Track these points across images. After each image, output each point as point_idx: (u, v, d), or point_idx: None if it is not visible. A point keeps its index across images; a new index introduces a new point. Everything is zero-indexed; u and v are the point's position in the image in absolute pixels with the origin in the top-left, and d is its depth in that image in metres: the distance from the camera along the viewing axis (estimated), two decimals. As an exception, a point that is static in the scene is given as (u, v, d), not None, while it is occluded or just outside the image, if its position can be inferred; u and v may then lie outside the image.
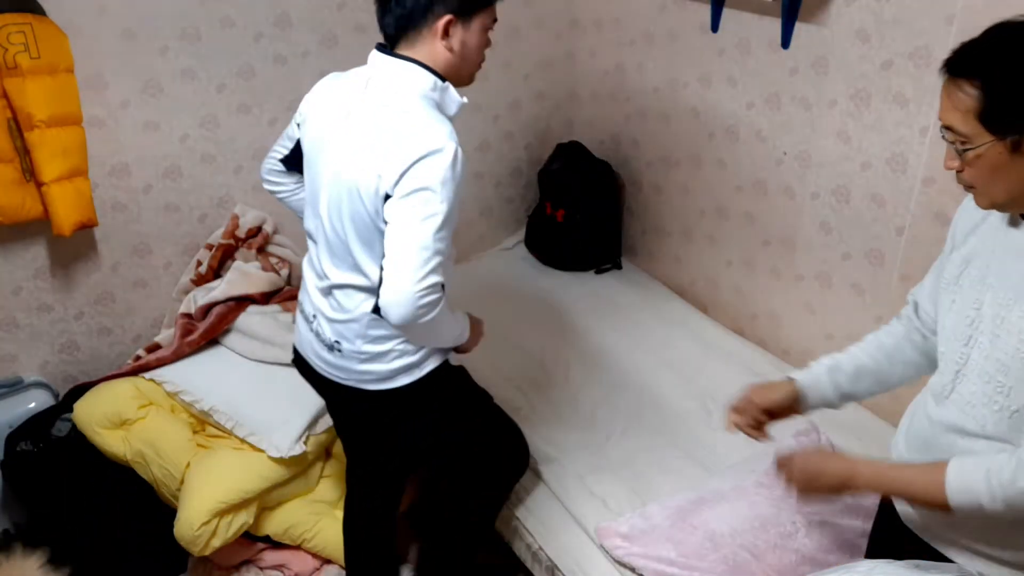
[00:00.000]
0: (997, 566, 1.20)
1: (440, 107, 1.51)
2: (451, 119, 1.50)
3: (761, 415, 1.48)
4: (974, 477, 1.09)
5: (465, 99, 1.54)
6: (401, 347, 1.59)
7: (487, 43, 1.55)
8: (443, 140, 1.42)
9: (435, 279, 1.42)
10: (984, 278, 1.16)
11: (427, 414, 1.73)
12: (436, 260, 1.42)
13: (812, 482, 1.28)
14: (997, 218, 1.16)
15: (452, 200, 1.43)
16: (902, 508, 1.33)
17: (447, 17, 1.45)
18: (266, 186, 1.83)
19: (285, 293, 2.49)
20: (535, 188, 3.15)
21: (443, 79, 1.50)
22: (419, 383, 1.64)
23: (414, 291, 1.40)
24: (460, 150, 1.44)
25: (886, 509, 1.39)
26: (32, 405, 2.28)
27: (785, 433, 2.13)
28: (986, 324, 1.14)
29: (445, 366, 1.68)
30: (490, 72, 2.90)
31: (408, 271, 1.40)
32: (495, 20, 1.54)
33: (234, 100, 2.45)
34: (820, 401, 1.47)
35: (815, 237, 2.34)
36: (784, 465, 1.32)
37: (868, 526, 1.81)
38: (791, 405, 1.47)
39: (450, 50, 1.48)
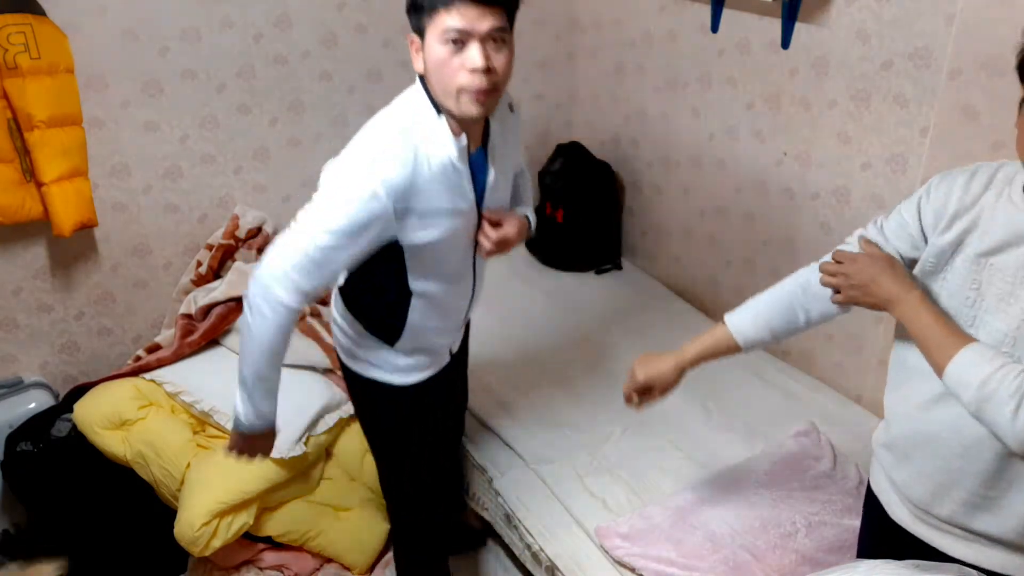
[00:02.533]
0: (980, 545, 1.21)
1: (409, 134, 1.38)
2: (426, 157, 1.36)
3: (641, 388, 1.57)
4: (979, 371, 1.08)
5: (455, 145, 1.37)
6: (341, 323, 1.63)
7: (448, 57, 1.30)
8: (352, 165, 1.38)
9: (293, 278, 1.37)
10: (985, 258, 1.15)
11: (360, 414, 1.78)
12: (307, 259, 1.36)
13: (862, 287, 1.27)
14: (1002, 196, 1.16)
15: (331, 233, 1.33)
16: (896, 511, 1.33)
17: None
18: None
19: (285, 293, 2.49)
20: (535, 189, 3.16)
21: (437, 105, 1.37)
22: (351, 373, 1.66)
23: (258, 276, 1.40)
24: (376, 184, 1.31)
25: (874, 510, 1.39)
26: (32, 405, 2.28)
27: (785, 433, 2.13)
28: (989, 302, 1.14)
29: (368, 384, 1.64)
30: (490, 72, 2.91)
31: (266, 259, 1.40)
32: (454, 30, 1.27)
33: (234, 100, 2.45)
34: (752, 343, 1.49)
35: (815, 237, 2.34)
36: (846, 260, 1.30)
37: (868, 526, 1.82)
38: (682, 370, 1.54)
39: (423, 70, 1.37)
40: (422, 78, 1.40)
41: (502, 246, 1.55)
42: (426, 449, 1.76)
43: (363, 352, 1.61)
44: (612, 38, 2.88)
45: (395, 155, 1.34)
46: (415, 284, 1.50)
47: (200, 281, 2.49)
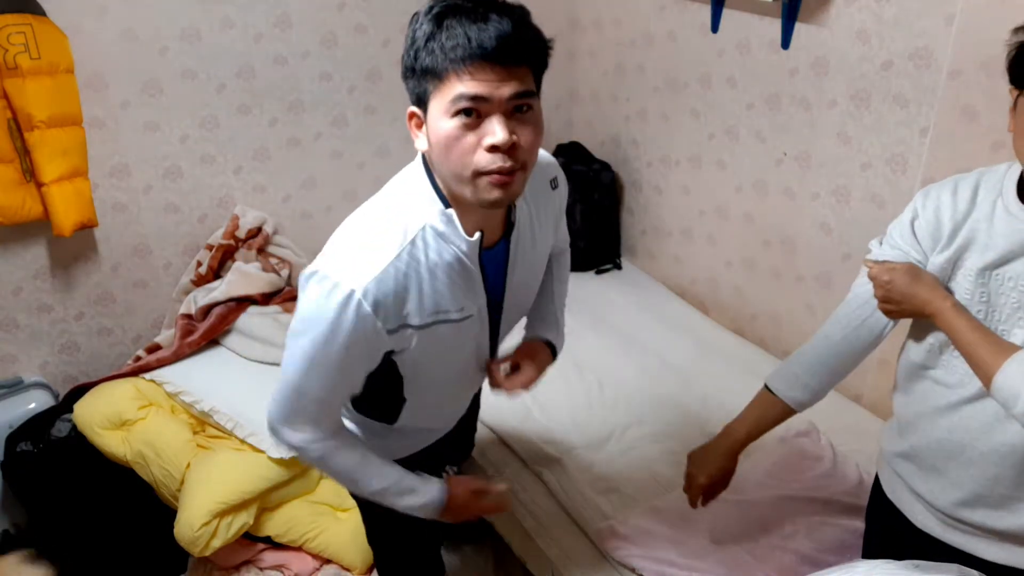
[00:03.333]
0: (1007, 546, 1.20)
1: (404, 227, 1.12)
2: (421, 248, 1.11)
3: (707, 491, 1.50)
4: None
5: (466, 244, 1.13)
6: None
7: (460, 132, 1.02)
8: (327, 271, 1.09)
9: (289, 427, 1.22)
10: (991, 271, 1.15)
11: None
12: (291, 404, 1.19)
13: (900, 300, 1.22)
14: (996, 208, 1.15)
15: (325, 345, 1.10)
16: (923, 519, 1.30)
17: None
18: None
19: (285, 294, 2.49)
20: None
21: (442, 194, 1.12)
22: None
23: (273, 430, 1.24)
24: (357, 297, 1.06)
25: (890, 518, 1.37)
26: (32, 406, 2.28)
27: (785, 433, 2.13)
28: (1002, 314, 1.14)
29: None
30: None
31: (271, 406, 1.23)
32: (467, 97, 0.99)
33: (234, 100, 2.45)
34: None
35: (815, 237, 2.34)
36: (887, 270, 1.24)
37: (868, 526, 1.82)
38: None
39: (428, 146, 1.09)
40: (425, 159, 1.14)
41: (525, 387, 1.39)
42: (403, 528, 1.57)
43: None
44: (612, 38, 2.88)
45: (381, 260, 1.09)
46: (409, 393, 1.31)
47: (200, 281, 2.49)
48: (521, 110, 1.03)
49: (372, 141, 2.75)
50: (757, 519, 1.83)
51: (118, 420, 2.12)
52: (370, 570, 2.18)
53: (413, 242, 1.11)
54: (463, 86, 0.99)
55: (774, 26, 2.24)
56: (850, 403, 2.31)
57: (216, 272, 2.51)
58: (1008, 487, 1.17)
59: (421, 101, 1.05)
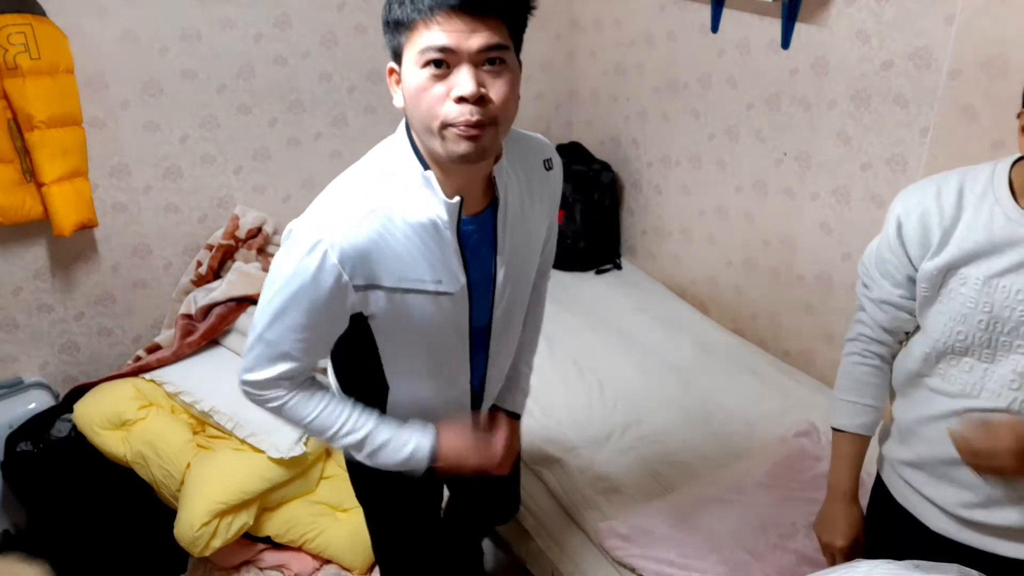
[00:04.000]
0: None
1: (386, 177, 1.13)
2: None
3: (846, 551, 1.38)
4: None
5: (443, 206, 1.11)
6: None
7: (429, 83, 1.02)
8: (300, 224, 1.11)
9: (250, 376, 1.20)
10: (996, 279, 1.12)
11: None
12: (256, 351, 1.18)
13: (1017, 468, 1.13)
14: (994, 214, 1.12)
15: (289, 293, 1.11)
16: (937, 522, 1.27)
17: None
18: None
19: (285, 293, 2.49)
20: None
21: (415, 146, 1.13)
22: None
23: (239, 380, 1.23)
24: (324, 247, 1.07)
25: (900, 522, 1.35)
26: (32, 406, 2.28)
27: (785, 433, 2.13)
28: (1009, 323, 1.11)
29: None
30: (490, 72, 2.91)
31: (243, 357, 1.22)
32: (435, 48, 0.99)
33: (234, 100, 2.45)
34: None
35: (815, 237, 2.34)
36: (989, 436, 1.14)
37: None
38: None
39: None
40: (407, 125, 1.14)
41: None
42: (405, 531, 1.57)
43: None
44: (612, 38, 2.88)
45: (352, 214, 1.09)
46: (392, 378, 1.27)
47: (200, 281, 2.49)
48: (493, 63, 1.02)
49: (372, 141, 2.71)
50: (757, 519, 1.84)
51: (118, 420, 2.12)
52: (370, 570, 2.18)
53: (389, 202, 1.11)
54: (431, 36, 0.99)
55: (774, 26, 2.24)
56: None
57: (216, 272, 2.51)
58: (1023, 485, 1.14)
59: (397, 55, 1.06)
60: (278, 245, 2.59)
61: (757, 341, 2.64)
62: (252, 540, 2.15)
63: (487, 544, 2.15)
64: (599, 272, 3.05)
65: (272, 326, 1.15)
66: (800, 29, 2.18)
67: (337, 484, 2.21)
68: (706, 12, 2.44)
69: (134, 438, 2.10)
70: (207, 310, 2.35)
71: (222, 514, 1.98)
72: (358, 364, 1.26)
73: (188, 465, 2.06)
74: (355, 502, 2.18)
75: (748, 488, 1.93)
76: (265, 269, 2.47)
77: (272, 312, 1.14)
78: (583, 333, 2.64)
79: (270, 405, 1.24)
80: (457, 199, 1.12)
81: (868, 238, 2.20)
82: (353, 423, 1.25)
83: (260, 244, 2.54)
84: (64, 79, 2.08)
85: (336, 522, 2.16)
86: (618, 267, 3.09)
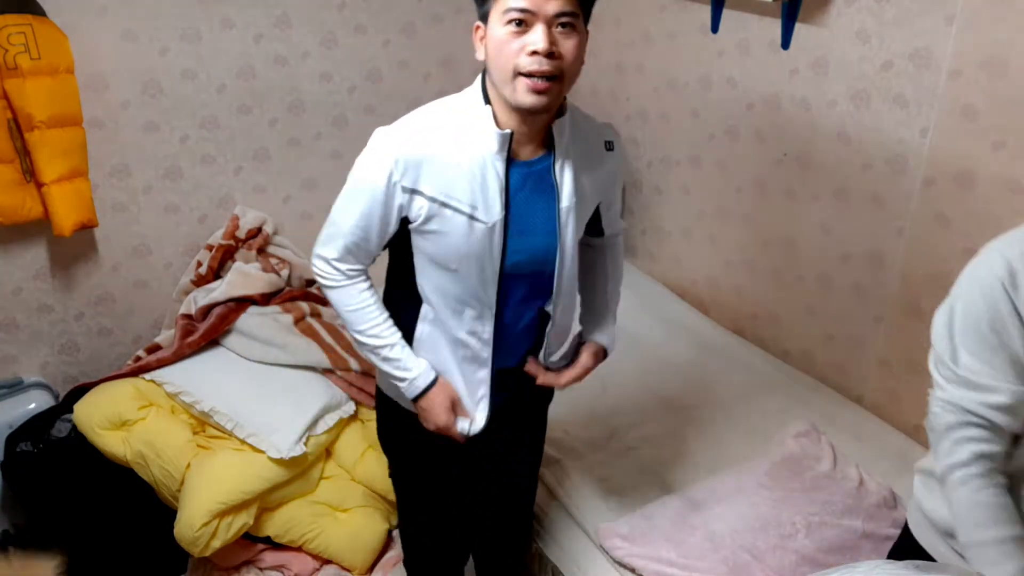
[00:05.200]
0: None
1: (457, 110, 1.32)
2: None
3: None
4: None
5: (496, 135, 1.27)
6: None
7: (509, 38, 1.20)
8: (379, 130, 1.33)
9: (320, 250, 1.40)
10: None
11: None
12: (328, 231, 1.38)
13: None
14: None
15: (355, 184, 1.33)
16: None
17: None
18: None
19: (285, 294, 2.49)
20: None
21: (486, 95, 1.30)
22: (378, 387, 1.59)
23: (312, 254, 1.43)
24: (385, 149, 1.28)
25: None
26: (32, 406, 2.28)
27: (785, 433, 2.13)
28: None
29: (382, 395, 1.57)
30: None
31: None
32: (517, 9, 1.18)
33: (234, 100, 2.45)
34: None
35: (815, 237, 2.34)
36: None
37: (868, 526, 1.82)
38: None
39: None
40: (484, 77, 1.32)
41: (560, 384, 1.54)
42: (429, 496, 1.64)
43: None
44: (612, 38, 2.88)
45: (415, 127, 1.30)
46: (422, 284, 1.39)
47: (200, 281, 2.49)
48: (564, 26, 1.20)
49: (372, 141, 2.75)
50: (757, 519, 1.83)
51: (118, 420, 2.12)
52: (370, 570, 2.19)
53: (449, 124, 1.29)
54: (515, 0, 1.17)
55: (774, 26, 2.24)
56: (851, 403, 2.31)
57: (216, 272, 2.51)
58: None
59: (484, 17, 1.24)
60: (278, 245, 2.61)
61: (757, 341, 2.64)
62: (252, 540, 2.15)
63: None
64: (599, 272, 3.05)
65: (340, 207, 1.35)
66: (800, 29, 2.18)
67: (337, 484, 2.21)
68: (706, 12, 2.44)
69: (134, 438, 2.09)
70: (207, 310, 2.34)
71: (222, 514, 1.98)
72: (398, 272, 1.43)
73: (188, 465, 2.06)
74: (355, 502, 2.19)
75: (748, 488, 1.93)
76: (265, 269, 2.47)
77: (343, 197, 1.35)
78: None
79: (325, 283, 1.41)
80: (508, 130, 1.28)
81: (868, 238, 2.21)
82: (381, 330, 1.41)
83: (260, 244, 2.54)
84: (64, 79, 2.08)
85: (336, 522, 2.16)
86: (618, 267, 3.09)
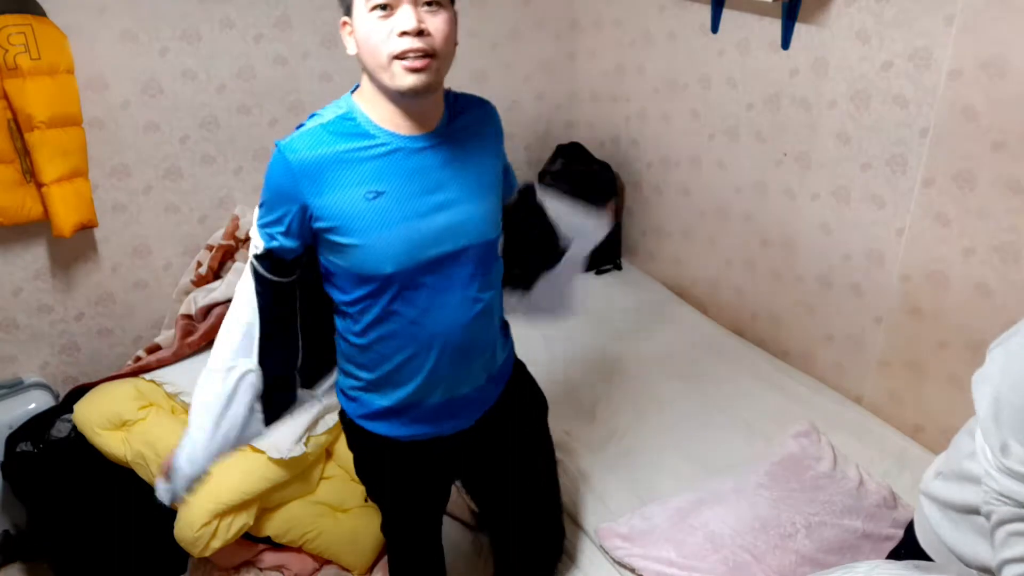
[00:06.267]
0: None
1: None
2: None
3: None
4: None
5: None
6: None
7: (376, 25, 1.17)
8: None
9: None
10: None
11: None
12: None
13: None
14: None
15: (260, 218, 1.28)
16: None
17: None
18: None
19: (285, 294, 2.49)
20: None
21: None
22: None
23: None
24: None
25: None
26: (32, 406, 2.28)
27: (785, 433, 2.13)
28: None
29: (344, 416, 1.48)
30: (490, 73, 2.91)
31: None
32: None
33: (234, 101, 2.45)
34: None
35: (815, 237, 2.34)
36: None
37: (868, 527, 1.82)
38: None
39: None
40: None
41: None
42: (406, 525, 1.59)
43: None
44: (612, 38, 2.88)
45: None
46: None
47: (200, 282, 2.49)
48: (430, 4, 1.17)
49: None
50: (757, 519, 1.84)
51: (118, 420, 2.12)
52: (370, 570, 2.18)
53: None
54: None
55: (774, 26, 2.24)
56: (850, 403, 2.31)
57: (216, 273, 2.51)
58: None
59: (348, 9, 1.21)
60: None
61: (757, 341, 2.64)
62: (252, 540, 2.15)
63: (487, 543, 2.15)
64: (599, 272, 3.05)
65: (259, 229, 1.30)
66: (800, 29, 2.18)
67: (337, 484, 2.21)
68: (706, 12, 2.44)
69: (134, 438, 2.09)
70: (207, 310, 2.34)
71: (222, 514, 1.98)
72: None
73: (188, 465, 2.06)
74: (355, 502, 2.19)
75: (748, 488, 1.93)
76: (265, 269, 2.47)
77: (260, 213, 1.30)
78: (583, 334, 2.64)
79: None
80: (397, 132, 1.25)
81: (868, 238, 2.21)
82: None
83: (260, 244, 2.54)
84: (64, 79, 2.08)
85: (336, 522, 2.15)
86: (618, 267, 3.09)
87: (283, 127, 2.57)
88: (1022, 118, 1.74)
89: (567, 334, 2.63)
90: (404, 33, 1.15)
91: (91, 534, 2.13)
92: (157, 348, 2.37)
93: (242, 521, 2.02)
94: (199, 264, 2.50)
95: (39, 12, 2.03)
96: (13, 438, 2.17)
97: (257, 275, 1.29)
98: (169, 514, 2.03)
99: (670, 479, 2.03)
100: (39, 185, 2.12)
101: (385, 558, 2.20)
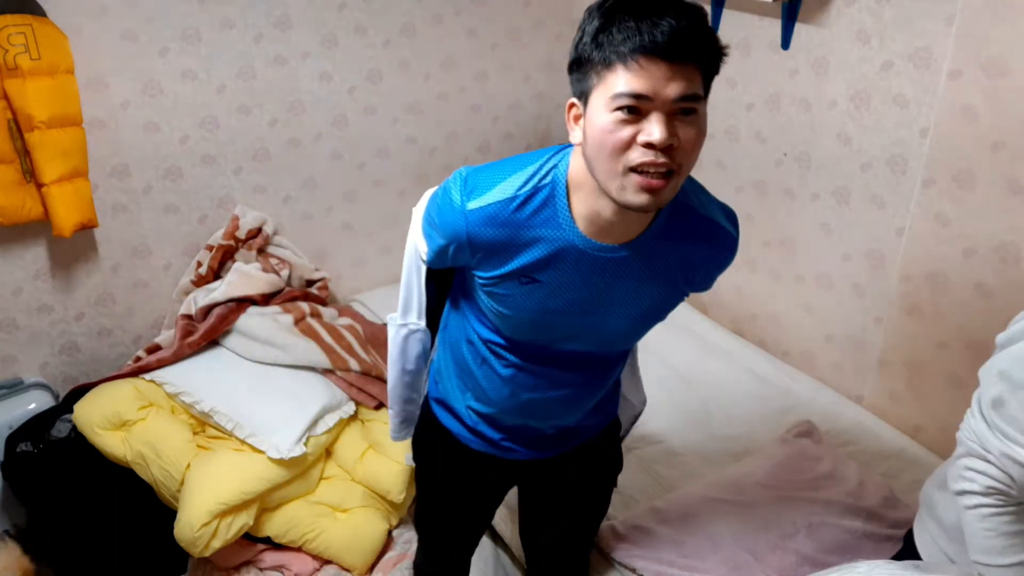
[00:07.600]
0: None
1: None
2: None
3: None
4: None
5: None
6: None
7: (617, 127, 0.98)
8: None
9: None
10: None
11: None
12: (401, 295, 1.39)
13: None
14: None
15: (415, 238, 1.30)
16: None
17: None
18: None
19: (285, 294, 2.49)
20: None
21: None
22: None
23: None
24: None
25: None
26: (32, 406, 2.28)
27: (784, 434, 2.13)
28: None
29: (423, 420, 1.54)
30: (490, 73, 2.91)
31: None
32: (630, 95, 0.96)
33: (234, 101, 2.45)
34: None
35: (815, 237, 2.34)
36: None
37: (868, 527, 1.82)
38: None
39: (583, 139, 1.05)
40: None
41: None
42: (437, 515, 1.60)
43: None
44: (612, 38, 2.88)
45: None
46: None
47: (200, 282, 2.49)
48: (687, 113, 1.00)
49: (372, 142, 2.75)
50: (757, 519, 1.84)
51: (118, 420, 2.12)
52: (370, 570, 2.18)
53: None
54: (628, 81, 0.95)
55: (774, 26, 2.24)
56: (850, 403, 2.31)
57: (216, 273, 2.51)
58: None
59: (583, 94, 1.03)
60: (278, 246, 2.61)
61: (757, 341, 2.64)
62: (252, 540, 2.15)
63: (487, 544, 2.15)
64: (599, 272, 3.04)
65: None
66: (800, 29, 2.18)
67: (337, 484, 2.21)
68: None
69: (134, 438, 2.10)
70: (207, 310, 2.34)
71: (222, 514, 1.98)
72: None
73: (188, 465, 2.06)
74: (355, 502, 2.19)
75: (748, 488, 1.93)
76: (265, 270, 2.47)
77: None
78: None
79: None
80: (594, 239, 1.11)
81: (868, 238, 2.21)
82: (395, 386, 1.51)
83: (260, 244, 2.54)
84: (64, 79, 2.08)
85: (336, 522, 2.16)
86: (618, 267, 3.08)
87: (283, 127, 2.57)
88: (1022, 118, 1.74)
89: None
90: (650, 145, 0.97)
91: (91, 534, 2.13)
92: (157, 348, 2.37)
93: (242, 521, 2.02)
94: (199, 264, 2.50)
95: (39, 12, 2.03)
96: (13, 438, 2.17)
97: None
98: (169, 514, 2.03)
99: (670, 479, 2.03)
100: (39, 185, 2.11)
101: (385, 558, 2.21)
